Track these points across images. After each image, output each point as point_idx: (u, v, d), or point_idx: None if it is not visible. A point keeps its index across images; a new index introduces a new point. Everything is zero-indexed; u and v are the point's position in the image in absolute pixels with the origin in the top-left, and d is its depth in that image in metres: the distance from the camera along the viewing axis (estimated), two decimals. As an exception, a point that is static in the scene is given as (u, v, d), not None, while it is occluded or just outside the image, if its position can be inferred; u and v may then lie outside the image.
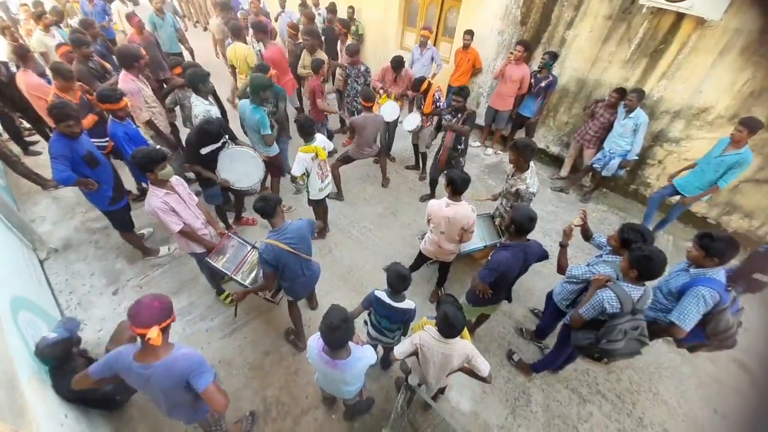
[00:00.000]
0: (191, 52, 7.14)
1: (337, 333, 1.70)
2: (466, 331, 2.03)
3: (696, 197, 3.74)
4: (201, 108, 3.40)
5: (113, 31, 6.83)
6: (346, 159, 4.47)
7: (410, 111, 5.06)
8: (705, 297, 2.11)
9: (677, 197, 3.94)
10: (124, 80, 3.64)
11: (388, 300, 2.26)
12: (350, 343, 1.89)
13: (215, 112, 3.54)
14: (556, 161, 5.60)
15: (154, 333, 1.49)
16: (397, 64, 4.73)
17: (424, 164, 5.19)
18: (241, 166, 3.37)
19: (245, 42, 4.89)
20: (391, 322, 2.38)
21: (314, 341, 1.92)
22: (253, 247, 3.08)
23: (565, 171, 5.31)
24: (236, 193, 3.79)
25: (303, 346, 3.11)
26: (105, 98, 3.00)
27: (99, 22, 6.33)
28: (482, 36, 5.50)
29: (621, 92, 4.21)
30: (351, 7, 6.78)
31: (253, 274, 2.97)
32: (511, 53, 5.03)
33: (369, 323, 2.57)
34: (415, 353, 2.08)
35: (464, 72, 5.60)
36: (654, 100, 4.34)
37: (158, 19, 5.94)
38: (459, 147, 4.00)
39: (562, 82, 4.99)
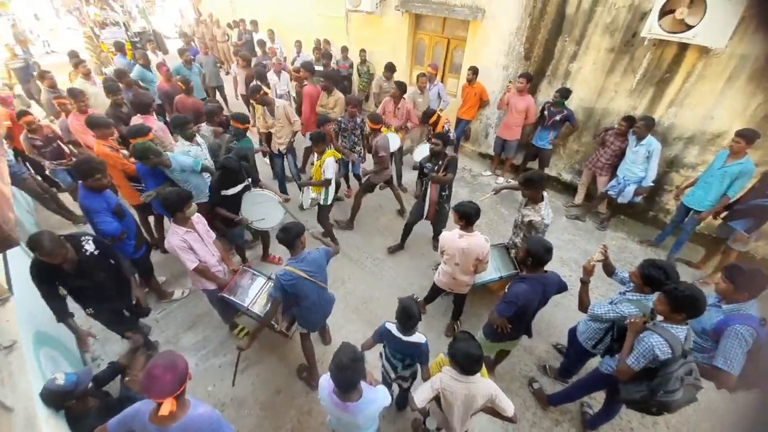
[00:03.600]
0: (225, 99, 7.75)
1: (347, 373, 1.66)
2: (484, 369, 1.95)
3: (710, 212, 3.72)
4: (180, 148, 3.56)
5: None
6: (370, 187, 4.52)
7: (413, 142, 5.18)
8: (745, 336, 1.98)
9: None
10: (147, 122, 3.98)
11: (397, 333, 2.21)
12: (362, 383, 1.83)
13: (195, 152, 3.58)
14: (569, 189, 5.56)
15: (166, 409, 1.47)
16: (401, 88, 4.94)
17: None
18: (262, 208, 3.51)
19: (268, 86, 5.22)
20: (403, 356, 2.31)
21: (325, 381, 1.87)
22: (269, 278, 3.11)
23: (579, 198, 5.26)
24: (261, 232, 3.93)
25: (316, 384, 3.01)
26: (134, 133, 3.21)
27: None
28: (488, 71, 5.72)
29: (630, 120, 4.24)
30: (363, 50, 7.24)
31: (269, 306, 2.95)
32: (510, 82, 5.34)
33: (383, 356, 2.50)
34: (435, 398, 1.99)
35: (472, 105, 5.78)
36: (665, 127, 4.34)
37: (185, 69, 6.40)
38: (444, 194, 3.82)
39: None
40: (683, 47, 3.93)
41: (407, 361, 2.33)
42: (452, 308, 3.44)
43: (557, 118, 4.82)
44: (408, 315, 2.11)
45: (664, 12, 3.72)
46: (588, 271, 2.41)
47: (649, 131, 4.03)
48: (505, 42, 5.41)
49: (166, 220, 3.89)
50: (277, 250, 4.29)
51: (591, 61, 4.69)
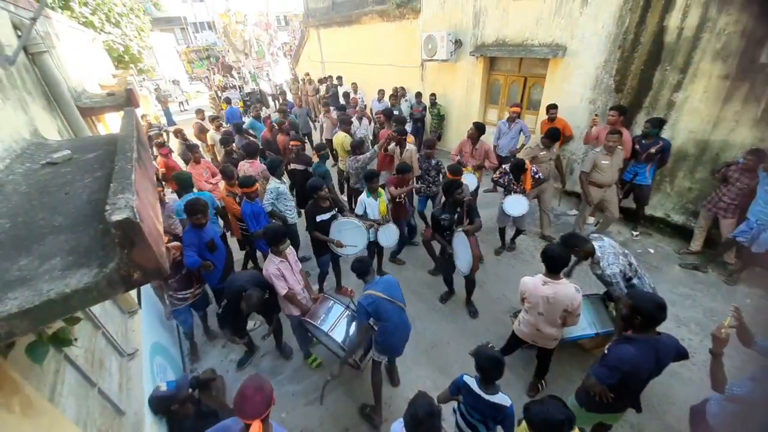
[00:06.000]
0: (311, 143, 8.77)
1: (422, 428, 1.57)
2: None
3: None
4: (272, 185, 4.12)
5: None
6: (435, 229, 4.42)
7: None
8: None
9: None
10: (252, 165, 4.67)
11: (477, 390, 2.01)
12: None
13: (282, 188, 4.18)
14: (681, 232, 4.72)
15: (255, 430, 1.56)
16: (479, 129, 4.90)
17: (512, 238, 4.94)
18: (348, 235, 3.74)
19: (348, 131, 5.75)
20: (483, 417, 2.08)
21: (398, 428, 1.78)
22: (347, 307, 3.22)
23: (697, 245, 4.40)
24: (335, 263, 4.17)
25: (378, 422, 2.93)
26: (243, 184, 3.78)
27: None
28: (571, 106, 5.44)
29: (758, 154, 3.54)
30: (433, 94, 7.62)
31: (344, 333, 3.00)
32: (596, 116, 5.05)
33: (457, 412, 2.29)
34: None
35: (553, 141, 5.50)
36: (814, 161, 3.49)
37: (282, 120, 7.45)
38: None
39: (677, 145, 4.44)
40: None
41: (489, 423, 2.09)
42: (535, 364, 3.05)
43: (652, 150, 4.26)
44: (495, 362, 1.94)
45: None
46: (720, 341, 1.90)
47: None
48: (591, 76, 5.12)
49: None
50: (350, 282, 4.44)
51: (701, 90, 4.12)
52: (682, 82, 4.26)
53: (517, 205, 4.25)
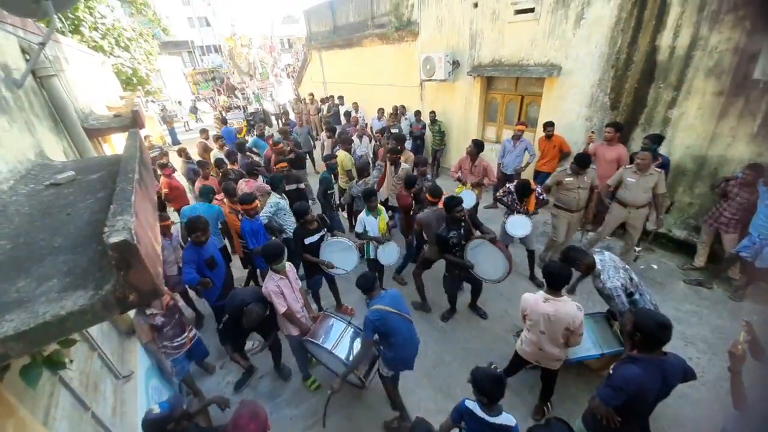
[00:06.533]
0: (313, 162, 8.92)
1: None
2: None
3: None
4: (273, 200, 4.27)
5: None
6: (426, 263, 4.09)
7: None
8: None
9: None
10: (248, 184, 4.76)
11: (480, 413, 1.95)
12: None
13: (283, 204, 4.37)
14: (684, 247, 4.69)
15: None
16: (478, 146, 4.96)
17: (532, 264, 4.60)
18: (339, 255, 3.73)
19: (349, 151, 5.84)
20: (488, 442, 2.01)
21: None
22: (349, 323, 3.18)
23: (701, 260, 4.37)
24: (332, 283, 4.15)
25: (407, 423, 2.93)
26: (243, 201, 3.82)
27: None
28: (568, 123, 5.52)
29: (757, 169, 3.56)
30: (432, 112, 7.75)
31: (347, 350, 2.95)
32: (593, 133, 5.10)
33: (461, 439, 2.21)
34: None
35: (552, 158, 5.56)
36: (814, 175, 3.50)
37: (284, 140, 7.57)
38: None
39: (675, 160, 4.48)
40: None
41: None
42: (540, 386, 2.97)
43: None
44: (495, 381, 1.89)
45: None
46: (738, 358, 1.84)
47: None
48: (586, 94, 5.23)
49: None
50: (349, 300, 4.39)
51: (695, 106, 4.19)
52: (677, 99, 4.34)
53: (519, 225, 4.11)
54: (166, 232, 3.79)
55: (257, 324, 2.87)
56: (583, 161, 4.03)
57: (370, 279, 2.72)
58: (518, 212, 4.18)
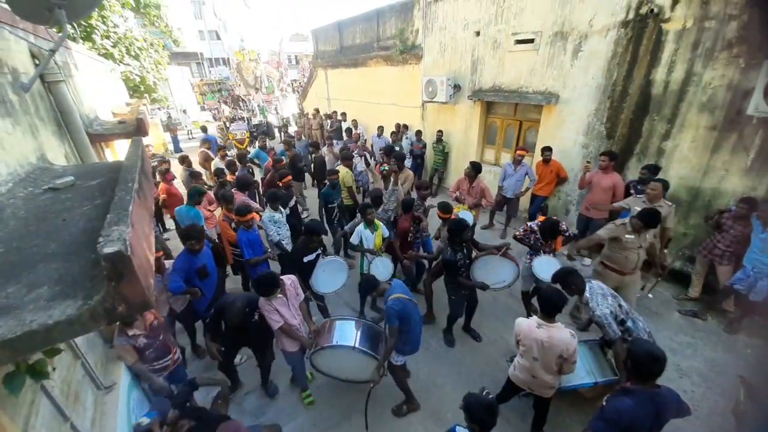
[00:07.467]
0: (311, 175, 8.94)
1: None
2: None
3: None
4: (266, 215, 4.27)
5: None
6: (439, 273, 4.07)
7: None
8: None
9: None
10: (237, 196, 4.69)
11: (472, 441, 1.91)
12: None
13: (277, 217, 4.31)
14: (678, 277, 4.70)
15: None
16: (476, 168, 5.03)
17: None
18: (331, 274, 3.74)
19: (350, 167, 5.89)
20: (478, 471, 1.95)
21: None
22: (358, 319, 3.22)
23: (695, 291, 4.37)
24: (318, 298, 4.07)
25: (417, 406, 3.23)
26: (239, 212, 3.82)
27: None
28: (566, 149, 5.63)
29: (750, 202, 3.62)
30: (440, 131, 7.87)
31: (368, 342, 2.99)
32: (589, 162, 5.16)
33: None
34: None
35: (549, 182, 5.64)
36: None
37: (285, 152, 7.62)
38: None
39: (669, 191, 4.52)
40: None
41: None
42: (533, 414, 2.91)
43: None
44: (486, 409, 1.86)
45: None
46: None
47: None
48: (583, 122, 5.36)
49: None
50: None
51: (689, 139, 4.30)
52: (671, 132, 4.45)
53: (548, 267, 3.41)
54: (159, 267, 3.28)
55: (240, 322, 2.86)
56: (651, 219, 3.20)
57: (371, 279, 2.92)
58: (544, 252, 3.77)
